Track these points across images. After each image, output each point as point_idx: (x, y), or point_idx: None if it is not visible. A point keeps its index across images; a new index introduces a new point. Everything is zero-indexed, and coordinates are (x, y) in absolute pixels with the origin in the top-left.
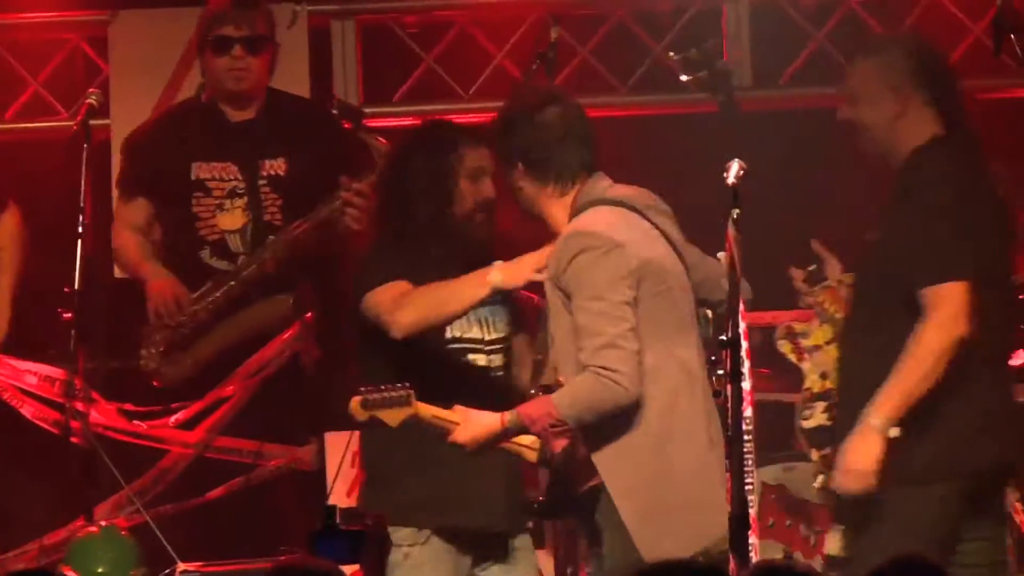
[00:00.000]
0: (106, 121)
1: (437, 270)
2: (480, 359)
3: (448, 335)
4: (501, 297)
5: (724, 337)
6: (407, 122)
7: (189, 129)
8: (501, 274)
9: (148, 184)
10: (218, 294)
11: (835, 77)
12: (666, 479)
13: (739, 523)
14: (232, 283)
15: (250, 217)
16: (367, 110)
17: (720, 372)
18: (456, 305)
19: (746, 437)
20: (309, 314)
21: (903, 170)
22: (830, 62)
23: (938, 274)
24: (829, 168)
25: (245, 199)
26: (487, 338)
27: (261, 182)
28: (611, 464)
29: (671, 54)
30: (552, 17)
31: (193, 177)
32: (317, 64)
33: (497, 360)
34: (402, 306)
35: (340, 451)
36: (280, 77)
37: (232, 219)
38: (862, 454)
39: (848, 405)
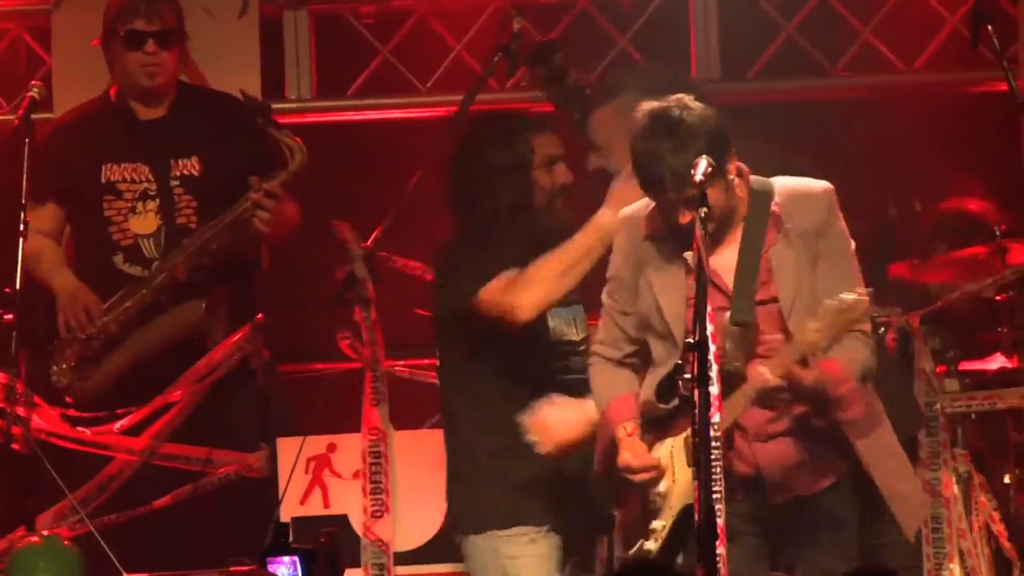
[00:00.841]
0: (49, 115)
1: (524, 263)
2: (576, 361)
3: (553, 337)
4: (577, 296)
5: (691, 340)
6: (362, 116)
7: (98, 129)
8: (608, 212)
9: (57, 188)
10: (129, 303)
11: (808, 69)
12: None
13: (706, 533)
14: (144, 291)
15: (163, 220)
16: (321, 103)
17: (687, 376)
18: (579, 266)
19: (714, 444)
20: (260, 315)
21: None
22: (801, 54)
23: None
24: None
25: (157, 201)
26: (577, 339)
27: (173, 183)
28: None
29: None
30: (514, 7)
31: (103, 180)
32: (268, 56)
33: (582, 361)
34: (520, 289)
35: (292, 457)
36: (230, 69)
37: (145, 223)
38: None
39: None
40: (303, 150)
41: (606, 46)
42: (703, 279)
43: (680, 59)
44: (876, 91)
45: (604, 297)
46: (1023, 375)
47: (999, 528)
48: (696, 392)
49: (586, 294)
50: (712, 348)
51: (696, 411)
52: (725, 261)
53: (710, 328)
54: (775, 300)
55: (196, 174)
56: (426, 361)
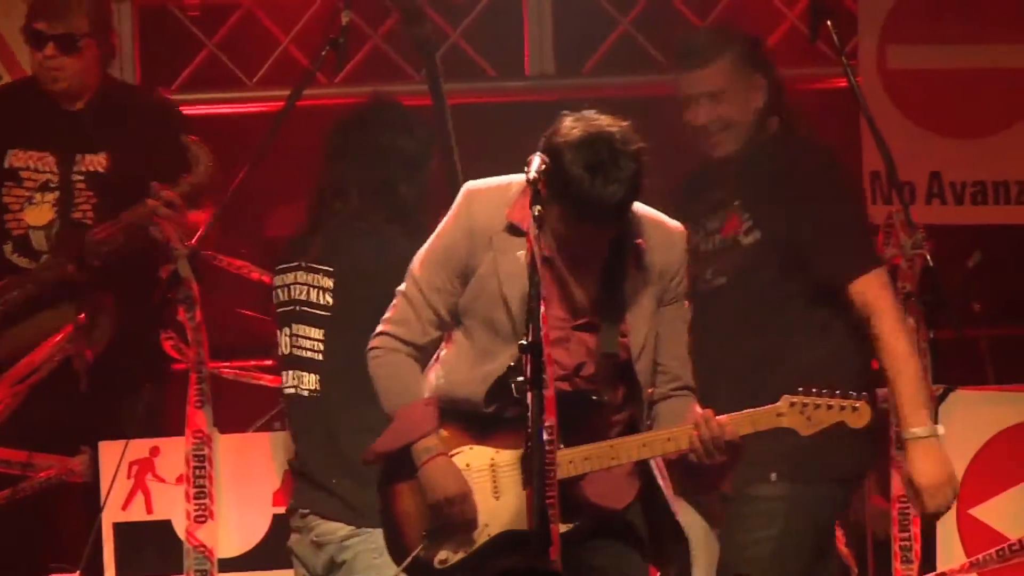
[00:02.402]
0: None
1: None
2: None
3: None
4: None
5: (524, 341)
6: (188, 111)
7: (13, 112)
8: None
9: None
10: (14, 293)
11: (644, 65)
12: None
13: (540, 539)
14: (28, 284)
15: (58, 214)
16: None
17: (520, 379)
18: None
19: (548, 447)
20: (82, 315)
21: (773, 160)
22: (636, 49)
23: (870, 262)
24: None
25: (56, 194)
26: None
27: (77, 177)
28: None
29: None
30: (343, 0)
31: (7, 165)
32: None
33: None
34: None
35: (114, 461)
36: None
37: (39, 214)
38: (935, 468)
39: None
40: (209, 161)
41: (438, 39)
42: (536, 279)
43: (513, 53)
44: None
45: (416, 269)
46: None
47: (836, 532)
48: (530, 395)
49: None
50: (545, 350)
51: (529, 415)
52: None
53: (543, 329)
54: (625, 335)
55: (102, 171)
56: (252, 363)
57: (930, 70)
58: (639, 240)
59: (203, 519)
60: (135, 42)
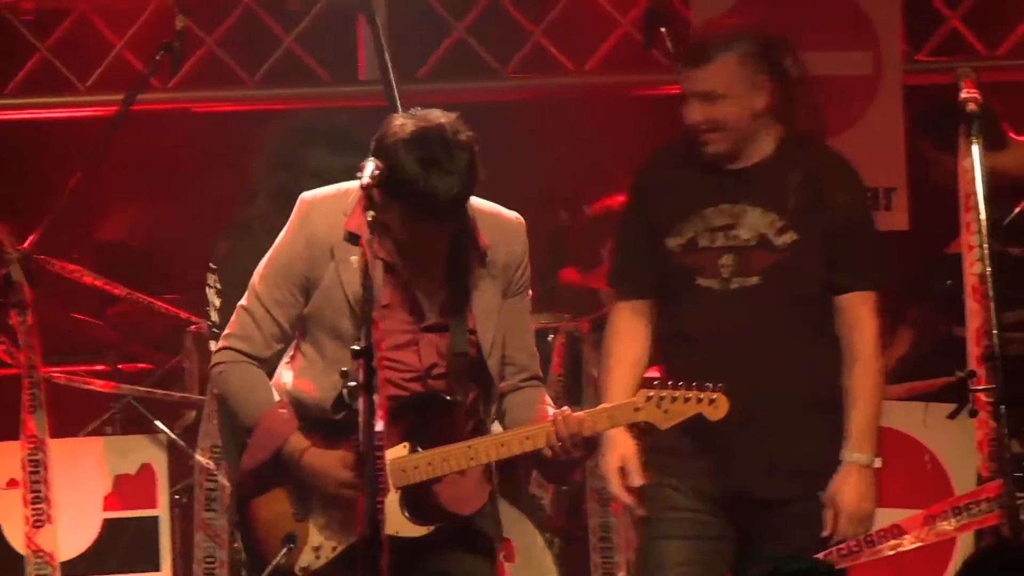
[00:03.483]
0: None
1: None
2: None
3: None
4: None
5: (357, 347)
6: (20, 115)
7: None
8: None
9: None
10: None
11: (478, 71)
12: None
13: (371, 544)
14: None
15: None
16: None
17: (352, 384)
18: None
19: (378, 453)
20: None
21: (803, 163)
22: (472, 55)
23: (876, 280)
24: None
25: None
26: None
27: None
28: None
29: None
30: (177, 4)
31: None
32: None
33: None
34: None
35: None
36: None
37: None
38: (862, 496)
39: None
40: None
41: (272, 45)
42: (369, 283)
43: (349, 59)
44: (547, 93)
45: (257, 284)
46: None
47: None
48: (362, 400)
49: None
50: (376, 355)
51: (361, 420)
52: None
53: (375, 335)
54: (474, 333)
55: None
56: (84, 367)
57: None
58: (479, 235)
59: (41, 524)
60: None
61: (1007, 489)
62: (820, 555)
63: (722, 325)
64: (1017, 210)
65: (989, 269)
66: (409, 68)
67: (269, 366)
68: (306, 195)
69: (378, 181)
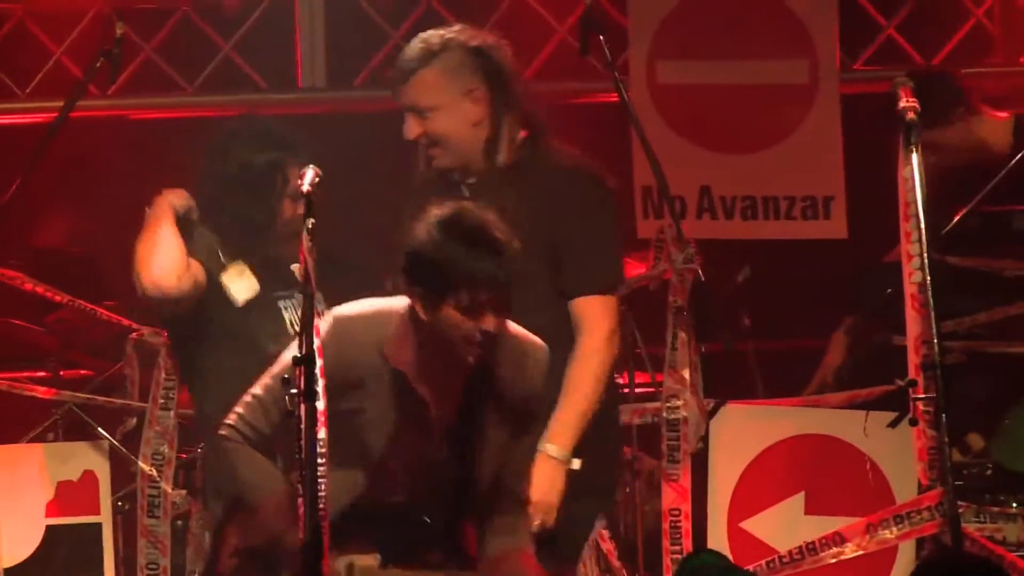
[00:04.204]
0: None
1: None
2: None
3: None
4: None
5: (297, 354)
6: None
7: None
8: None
9: None
10: None
11: None
12: None
13: (311, 550)
14: None
15: None
16: None
17: (293, 391)
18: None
19: (320, 460)
20: None
21: (517, 171)
22: None
23: (605, 284)
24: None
25: None
26: None
27: None
28: None
29: None
30: (116, 12)
31: None
32: None
33: None
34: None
35: None
36: None
37: None
38: (549, 488)
39: None
40: None
41: (209, 52)
42: (309, 291)
43: (285, 66)
44: None
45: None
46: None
47: (608, 546)
48: (302, 408)
49: None
50: (319, 363)
51: (301, 427)
52: None
53: (316, 342)
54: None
55: None
56: (25, 374)
57: (699, 85)
58: (501, 368)
59: None
60: None
61: (947, 498)
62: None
63: None
64: (956, 219)
65: (928, 278)
66: (346, 76)
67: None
68: (339, 312)
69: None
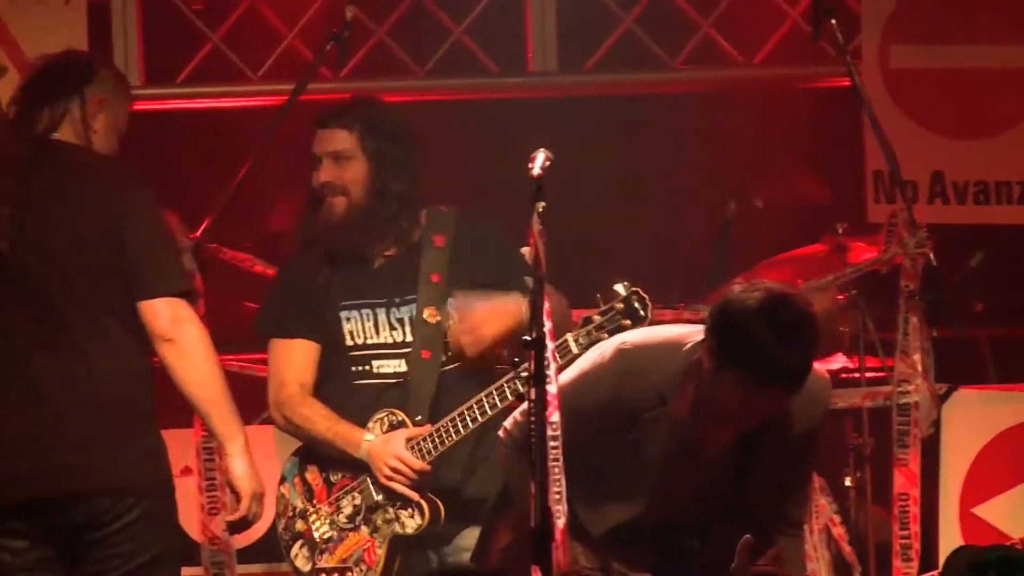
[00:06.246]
0: None
1: None
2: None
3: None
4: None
5: (528, 337)
6: (191, 104)
7: None
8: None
9: None
10: None
11: (644, 63)
12: None
13: (542, 536)
14: None
15: None
16: (149, 91)
17: (524, 374)
18: None
19: (552, 443)
20: None
21: None
22: (639, 47)
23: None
24: (634, 154)
25: None
26: (381, 341)
27: None
28: None
29: None
30: None
31: None
32: (96, 43)
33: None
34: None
35: None
36: None
37: None
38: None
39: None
40: None
41: (440, 35)
42: (540, 275)
43: (516, 50)
44: (715, 85)
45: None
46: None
47: (839, 532)
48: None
49: None
50: (550, 346)
51: (533, 411)
52: None
53: (548, 326)
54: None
55: None
56: (256, 356)
57: (933, 70)
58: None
59: (216, 511)
60: (138, 36)
61: None
62: None
63: None
64: None
65: None
66: (576, 60)
67: None
68: (624, 341)
69: (546, 171)
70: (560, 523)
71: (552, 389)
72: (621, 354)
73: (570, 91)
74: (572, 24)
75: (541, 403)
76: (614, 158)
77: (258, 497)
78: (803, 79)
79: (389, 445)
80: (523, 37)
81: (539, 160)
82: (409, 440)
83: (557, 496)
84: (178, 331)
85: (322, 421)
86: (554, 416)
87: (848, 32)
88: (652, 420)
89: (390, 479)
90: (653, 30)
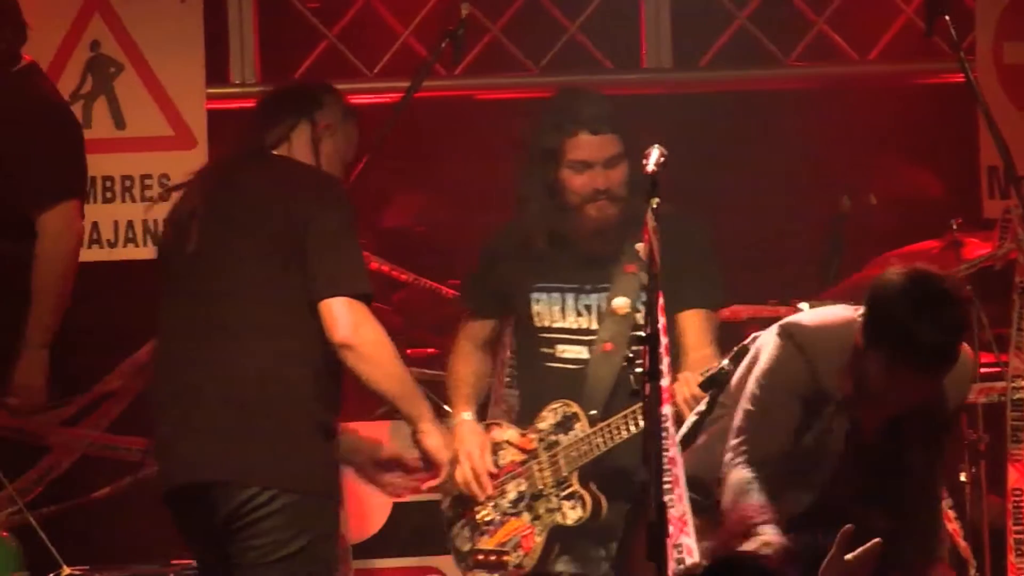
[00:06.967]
0: None
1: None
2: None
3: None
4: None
5: (642, 333)
6: None
7: None
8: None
9: None
10: None
11: (758, 60)
12: None
13: (657, 529)
14: None
15: None
16: (265, 89)
17: (639, 369)
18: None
19: (664, 436)
20: None
21: None
22: (753, 44)
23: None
24: (749, 150)
25: None
26: (568, 326)
27: None
28: None
29: None
30: None
31: None
32: (213, 41)
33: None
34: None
35: None
36: (173, 54)
37: None
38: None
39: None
40: None
41: (555, 33)
42: (654, 271)
43: (630, 46)
44: (828, 82)
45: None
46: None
47: (954, 527)
48: (647, 386)
49: None
50: (663, 341)
51: (646, 405)
52: None
53: (661, 321)
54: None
55: None
56: None
57: None
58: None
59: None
60: (255, 34)
61: None
62: None
63: None
64: None
65: None
66: (691, 56)
67: None
68: (794, 323)
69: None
70: (676, 513)
71: (665, 383)
72: (801, 332)
73: (684, 87)
74: (686, 20)
75: (656, 398)
76: (727, 154)
77: (453, 465)
78: (916, 75)
79: (483, 437)
80: (638, 33)
81: (654, 156)
82: (513, 445)
83: (668, 488)
84: (358, 337)
85: (451, 374)
86: (666, 408)
87: (962, 28)
88: (834, 409)
89: (457, 462)
90: (767, 27)
